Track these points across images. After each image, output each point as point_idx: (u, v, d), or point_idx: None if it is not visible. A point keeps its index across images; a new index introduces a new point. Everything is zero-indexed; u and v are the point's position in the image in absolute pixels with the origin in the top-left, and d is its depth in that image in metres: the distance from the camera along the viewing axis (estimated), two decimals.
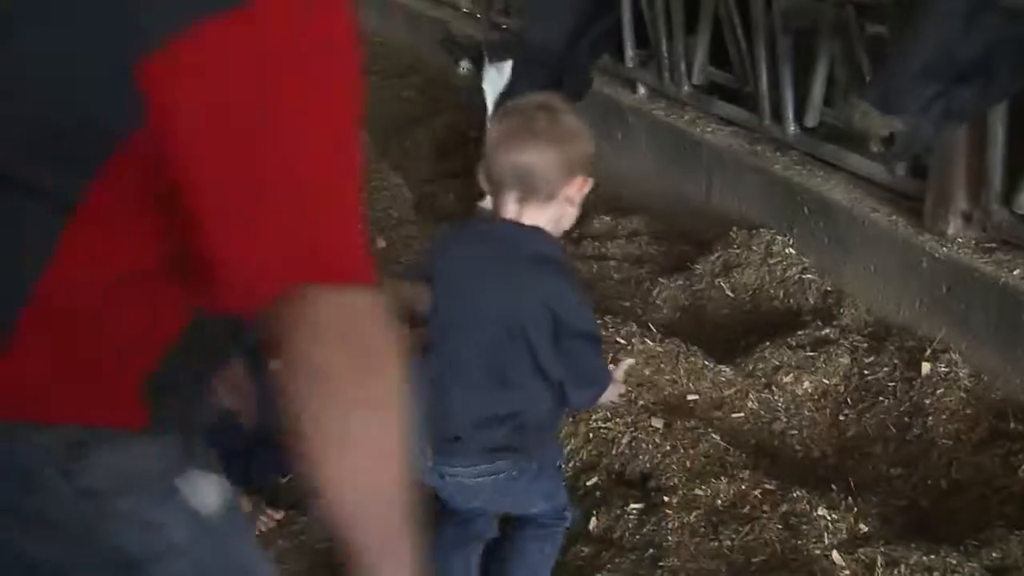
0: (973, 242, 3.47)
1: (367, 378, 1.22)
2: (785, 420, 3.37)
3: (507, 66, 4.49)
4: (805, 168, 4.10)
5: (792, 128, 4.16)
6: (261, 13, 1.13)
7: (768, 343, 3.60)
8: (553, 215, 2.49)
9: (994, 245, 3.43)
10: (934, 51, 2.74)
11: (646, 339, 3.48)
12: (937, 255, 3.49)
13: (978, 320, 3.38)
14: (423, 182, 5.41)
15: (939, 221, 3.53)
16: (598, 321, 3.47)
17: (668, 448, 3.01)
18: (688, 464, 2.97)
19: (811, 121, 4.10)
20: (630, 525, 2.81)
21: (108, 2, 1.13)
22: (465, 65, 4.88)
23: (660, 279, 4.12)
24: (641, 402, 3.24)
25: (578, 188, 2.49)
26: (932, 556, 2.65)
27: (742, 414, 3.36)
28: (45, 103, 1.15)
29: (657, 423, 3.10)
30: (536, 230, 2.46)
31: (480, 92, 4.62)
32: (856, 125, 2.85)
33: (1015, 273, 3.30)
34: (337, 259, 1.20)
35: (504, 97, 4.48)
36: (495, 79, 4.54)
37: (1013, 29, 2.68)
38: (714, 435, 3.11)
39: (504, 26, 6.19)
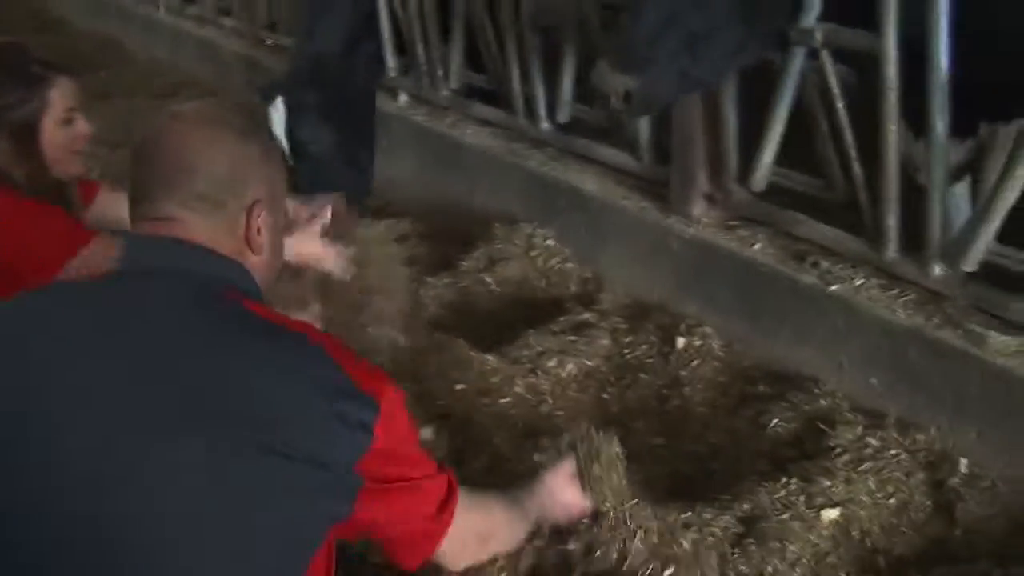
0: (718, 221, 3.68)
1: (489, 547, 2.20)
2: (551, 402, 3.48)
3: (279, 103, 4.48)
4: (560, 163, 4.26)
5: (545, 125, 4.32)
6: (384, 439, 1.71)
7: (532, 331, 3.72)
8: None
9: (736, 223, 3.65)
10: (664, 16, 2.92)
11: (411, 334, 3.55)
12: (684, 236, 3.69)
13: (725, 294, 3.59)
14: None
15: (684, 204, 3.73)
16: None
17: (433, 438, 3.09)
18: (451, 447, 3.05)
19: (563, 117, 4.26)
20: None
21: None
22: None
23: (428, 279, 4.18)
24: (414, 395, 3.30)
25: None
26: (689, 513, 2.79)
27: (509, 399, 3.45)
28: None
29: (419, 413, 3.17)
30: None
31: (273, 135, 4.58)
32: (596, 84, 3.02)
33: (755, 248, 3.52)
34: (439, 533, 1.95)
35: (288, 137, 4.46)
36: (277, 118, 4.51)
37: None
38: (479, 419, 3.20)
39: (269, 41, 6.19)
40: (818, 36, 3.10)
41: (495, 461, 3.04)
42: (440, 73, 4.76)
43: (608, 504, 2.49)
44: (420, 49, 4.79)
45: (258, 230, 1.84)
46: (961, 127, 3.15)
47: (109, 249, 2.49)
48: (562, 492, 2.46)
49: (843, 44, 3.12)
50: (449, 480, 1.96)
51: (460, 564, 2.11)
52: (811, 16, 3.11)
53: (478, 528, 2.10)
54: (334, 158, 4.52)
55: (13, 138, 2.62)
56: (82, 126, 2.75)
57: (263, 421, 1.60)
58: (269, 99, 4.51)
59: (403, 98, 5.10)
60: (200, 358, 1.63)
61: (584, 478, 2.48)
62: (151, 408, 1.59)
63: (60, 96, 2.71)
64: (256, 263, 1.86)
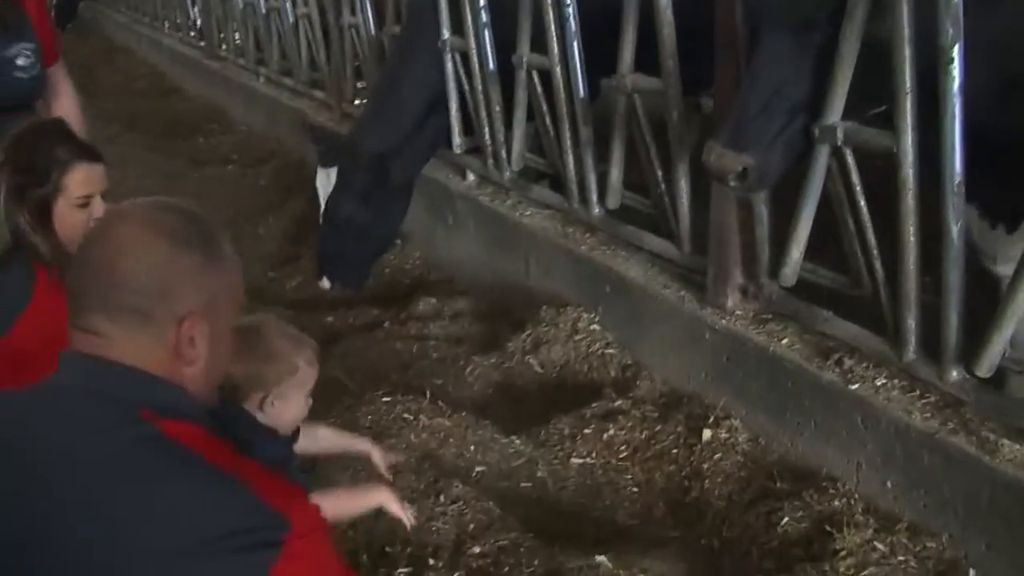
0: (751, 314, 3.68)
1: None
2: (573, 488, 3.52)
3: (334, 172, 4.72)
4: (609, 248, 4.30)
5: (597, 210, 4.37)
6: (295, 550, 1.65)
7: (563, 415, 3.76)
8: None
9: (769, 316, 3.64)
10: (770, 91, 3.00)
11: (436, 415, 3.61)
12: (717, 327, 3.69)
13: (753, 387, 3.58)
14: (269, 268, 5.55)
15: (719, 295, 3.74)
16: (388, 399, 3.62)
17: (439, 515, 3.14)
18: (458, 530, 3.09)
19: (612, 203, 4.31)
20: None
21: None
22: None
23: (474, 357, 4.26)
24: (431, 476, 3.35)
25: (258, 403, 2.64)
26: None
27: (530, 483, 3.50)
28: None
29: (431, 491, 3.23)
30: None
31: (315, 190, 4.85)
32: (712, 165, 3.07)
33: (783, 342, 3.50)
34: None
35: (330, 200, 4.70)
36: (325, 182, 4.77)
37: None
38: (490, 502, 3.23)
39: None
40: (840, 134, 3.10)
41: (497, 545, 3.06)
42: (503, 155, 4.85)
43: None
44: (486, 131, 4.89)
45: (191, 341, 1.79)
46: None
47: None
48: None
49: (864, 143, 3.12)
50: None
51: None
52: (834, 114, 3.11)
53: None
54: (358, 239, 4.70)
55: (30, 214, 2.77)
56: (98, 210, 2.89)
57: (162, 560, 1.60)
58: (327, 165, 4.72)
59: (471, 177, 5.20)
60: (99, 493, 1.63)
61: None
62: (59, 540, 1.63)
63: (77, 182, 2.83)
64: (191, 373, 1.81)
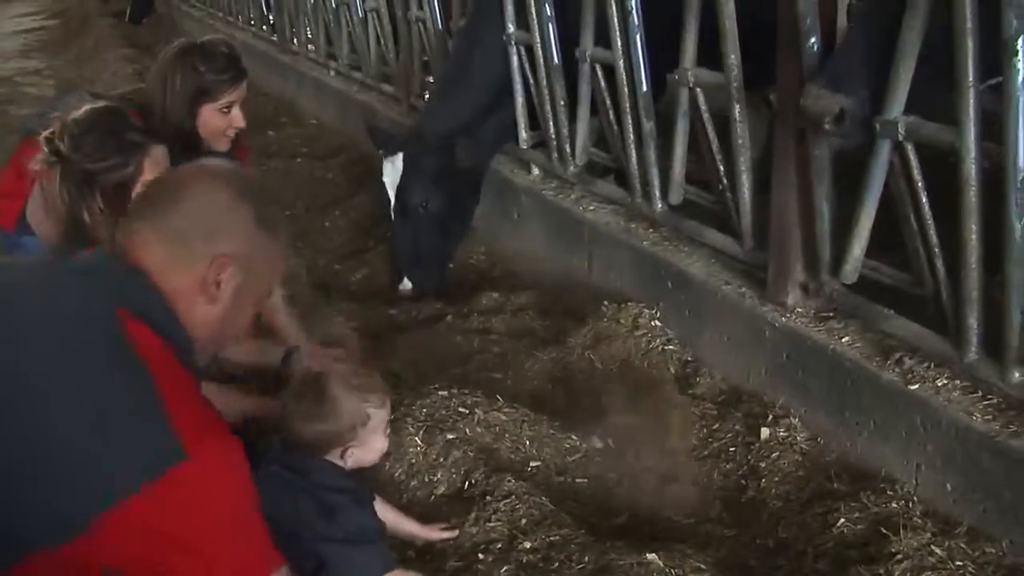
0: (812, 311, 3.62)
1: None
2: (628, 484, 3.49)
3: (399, 159, 4.72)
4: (671, 244, 4.27)
5: (659, 205, 4.33)
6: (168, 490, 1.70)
7: (621, 411, 3.74)
8: None
9: (830, 314, 3.59)
10: (875, 41, 3.01)
11: (493, 409, 3.60)
12: (777, 325, 3.64)
13: (813, 386, 3.53)
14: (334, 261, 5.58)
15: (780, 292, 3.69)
16: (444, 393, 3.62)
17: (491, 510, 3.13)
18: (509, 525, 3.08)
19: (675, 199, 4.27)
20: None
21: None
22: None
23: (535, 352, 4.24)
24: (484, 471, 3.33)
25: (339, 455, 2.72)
26: None
27: (585, 479, 3.48)
28: None
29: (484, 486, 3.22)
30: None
31: (382, 185, 4.85)
32: (810, 107, 3.07)
33: (844, 341, 3.45)
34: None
35: (400, 191, 4.71)
36: (391, 172, 4.77)
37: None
38: (543, 498, 3.21)
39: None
40: (901, 129, 3.05)
41: (548, 541, 3.04)
42: (568, 150, 4.84)
43: None
44: (550, 125, 4.88)
45: (218, 283, 1.94)
46: None
47: None
48: None
49: (925, 138, 3.06)
50: None
51: None
52: (896, 108, 3.05)
53: None
54: (433, 229, 4.69)
55: (105, 198, 2.83)
56: None
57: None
58: (389, 153, 4.72)
59: (536, 172, 5.19)
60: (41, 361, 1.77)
61: None
62: None
63: (152, 163, 2.93)
64: (206, 312, 1.95)
